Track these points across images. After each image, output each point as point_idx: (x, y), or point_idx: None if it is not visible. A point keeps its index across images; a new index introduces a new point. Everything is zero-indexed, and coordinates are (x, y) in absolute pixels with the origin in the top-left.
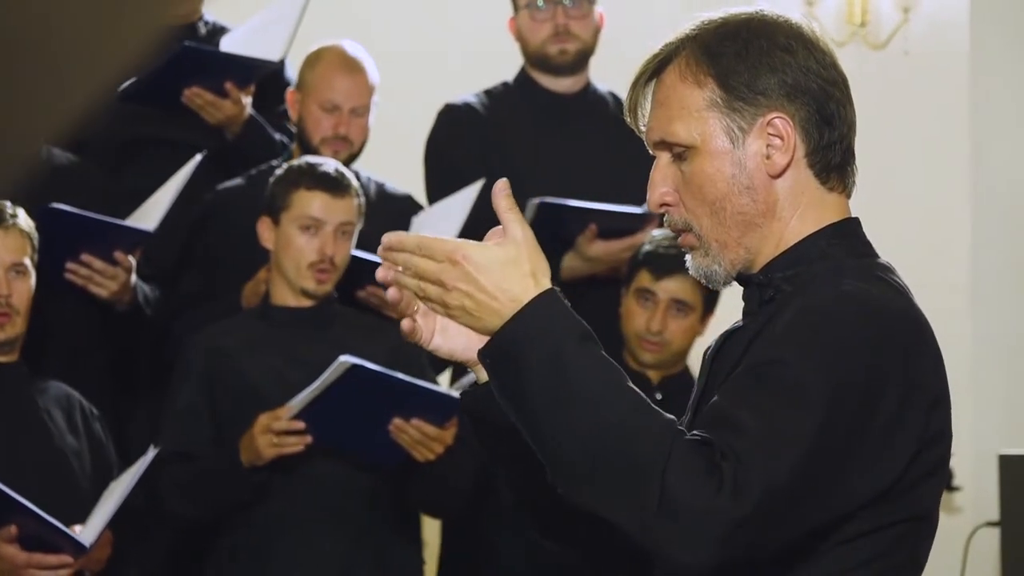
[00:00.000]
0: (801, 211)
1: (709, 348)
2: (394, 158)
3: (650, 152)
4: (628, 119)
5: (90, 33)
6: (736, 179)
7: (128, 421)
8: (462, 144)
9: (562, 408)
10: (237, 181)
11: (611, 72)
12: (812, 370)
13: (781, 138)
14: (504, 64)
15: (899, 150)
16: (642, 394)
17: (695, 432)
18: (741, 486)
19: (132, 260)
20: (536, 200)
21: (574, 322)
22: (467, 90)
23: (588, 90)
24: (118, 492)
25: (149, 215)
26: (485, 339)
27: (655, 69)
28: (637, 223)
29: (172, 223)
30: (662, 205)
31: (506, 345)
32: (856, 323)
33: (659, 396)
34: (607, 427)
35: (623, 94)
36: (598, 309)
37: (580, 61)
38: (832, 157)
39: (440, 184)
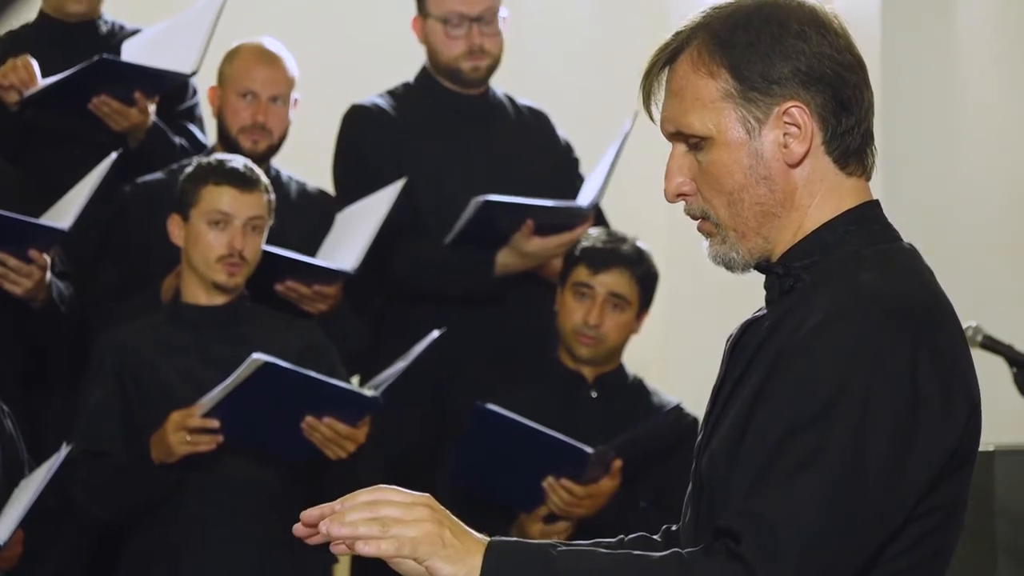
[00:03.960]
0: (820, 198)
1: (731, 337)
2: (309, 158)
3: (666, 140)
4: (642, 108)
5: None
6: (754, 169)
7: (41, 418)
8: (375, 144)
9: None
10: (156, 175)
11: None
12: (838, 402)
13: (798, 127)
14: (408, 62)
15: None
16: (629, 551)
17: (720, 525)
18: (763, 568)
19: (47, 258)
20: (481, 198)
21: (535, 544)
22: (376, 89)
23: (488, 92)
24: (30, 490)
25: (64, 213)
26: None
27: (668, 58)
28: (574, 219)
29: (86, 219)
30: (679, 195)
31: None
32: (876, 330)
33: (594, 394)
34: None
35: (520, 97)
36: (525, 309)
37: (490, 74)
38: (851, 142)
39: (355, 184)
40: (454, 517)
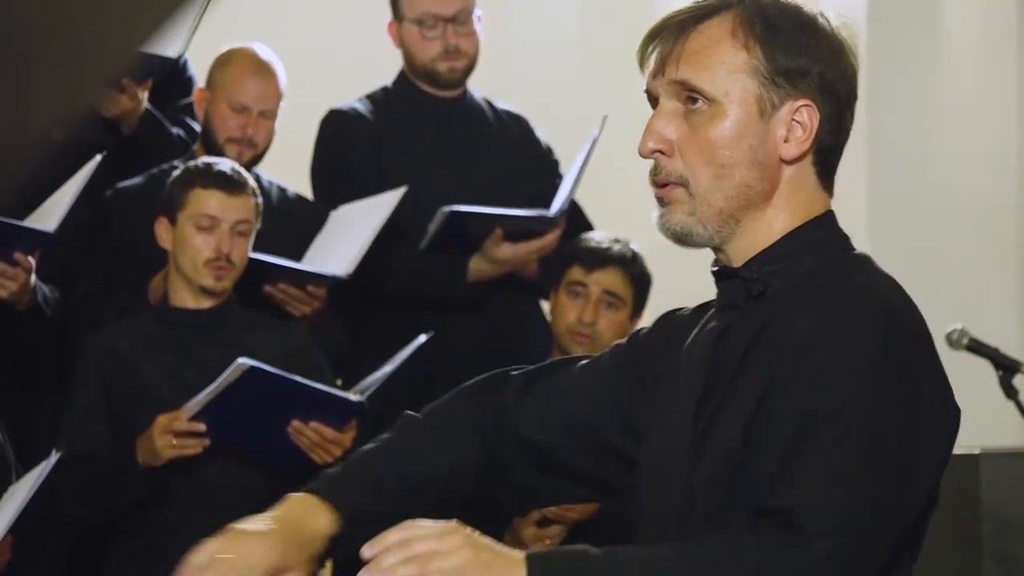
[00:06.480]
0: (795, 205)
1: (695, 346)
2: (287, 162)
3: (652, 94)
4: (640, 51)
5: (88, 32)
6: (754, 151)
7: (28, 422)
8: (354, 148)
9: None
10: (136, 180)
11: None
12: (855, 394)
13: (803, 128)
14: (387, 67)
15: None
16: (665, 547)
17: (764, 507)
18: (818, 529)
19: (32, 261)
20: (447, 209)
21: (573, 550)
22: (354, 94)
23: (467, 96)
24: (19, 496)
25: (49, 216)
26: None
27: (700, 17)
28: (543, 226)
29: (70, 222)
30: (656, 152)
31: None
32: (878, 331)
33: None
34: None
35: (499, 101)
36: (511, 314)
37: (466, 75)
38: (832, 162)
39: (334, 189)
40: (485, 537)
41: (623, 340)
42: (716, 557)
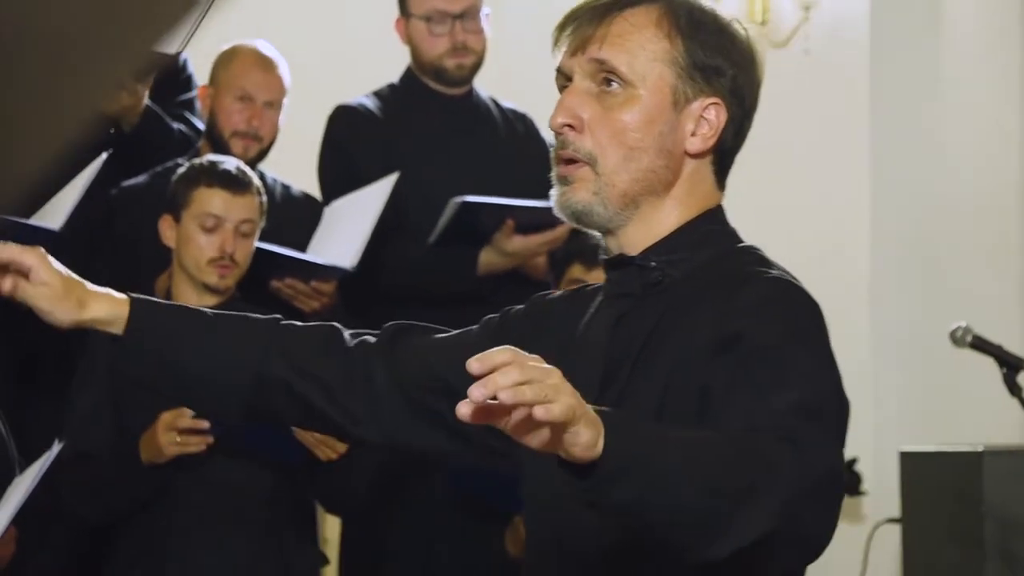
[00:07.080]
0: (692, 200)
1: (587, 334)
2: (292, 158)
3: (565, 73)
4: (553, 35)
5: (87, 43)
6: (663, 138)
7: (30, 418)
8: (362, 144)
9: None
10: (141, 179)
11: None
12: (796, 351)
13: (710, 125)
14: (394, 63)
15: (799, 148)
16: (705, 433)
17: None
18: (812, 443)
19: None
20: (459, 199)
21: (628, 415)
22: (360, 91)
23: (472, 93)
24: (22, 488)
25: (54, 214)
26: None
27: (622, 3)
28: (555, 218)
29: (75, 220)
30: (566, 126)
31: (622, 460)
32: (805, 308)
33: None
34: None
35: (502, 99)
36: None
37: (474, 73)
38: (728, 163)
39: (341, 185)
40: None
41: (495, 316)
42: (768, 451)
